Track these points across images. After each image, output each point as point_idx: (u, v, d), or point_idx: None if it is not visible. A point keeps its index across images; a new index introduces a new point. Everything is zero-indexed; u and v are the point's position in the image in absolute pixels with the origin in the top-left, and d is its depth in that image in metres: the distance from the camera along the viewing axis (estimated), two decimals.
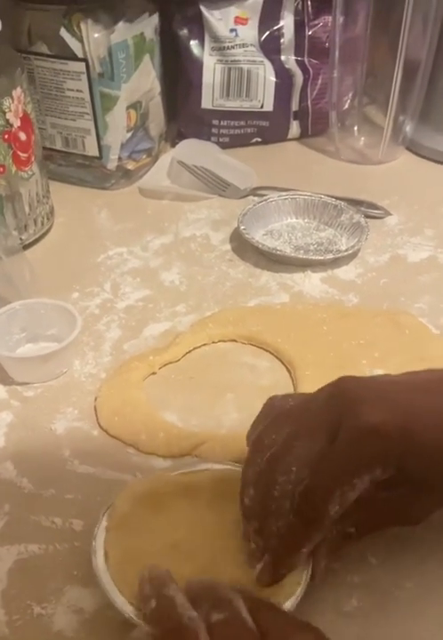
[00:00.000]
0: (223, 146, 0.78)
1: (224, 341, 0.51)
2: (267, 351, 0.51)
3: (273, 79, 0.77)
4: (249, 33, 0.76)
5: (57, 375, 0.48)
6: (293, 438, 0.32)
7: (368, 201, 0.68)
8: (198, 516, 0.35)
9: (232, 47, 0.75)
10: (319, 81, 0.79)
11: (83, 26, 0.62)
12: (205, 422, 0.45)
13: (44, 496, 0.40)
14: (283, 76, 0.77)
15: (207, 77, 0.76)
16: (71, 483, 0.40)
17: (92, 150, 0.69)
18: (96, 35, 0.63)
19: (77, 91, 0.66)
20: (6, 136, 0.56)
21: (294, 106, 0.79)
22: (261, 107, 0.78)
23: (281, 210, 0.66)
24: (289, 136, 0.81)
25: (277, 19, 0.76)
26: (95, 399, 0.46)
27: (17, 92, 0.56)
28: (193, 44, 0.75)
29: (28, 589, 0.35)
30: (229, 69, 0.76)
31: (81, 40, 0.63)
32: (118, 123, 0.68)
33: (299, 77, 0.78)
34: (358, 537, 0.34)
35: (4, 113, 0.55)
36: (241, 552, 0.34)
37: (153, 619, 0.28)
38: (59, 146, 0.70)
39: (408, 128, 0.77)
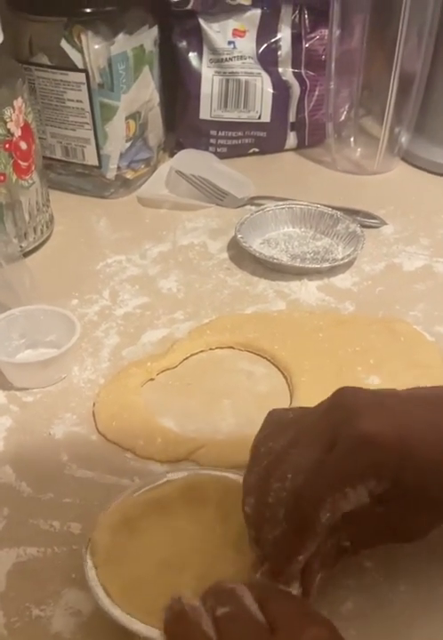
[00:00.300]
0: (221, 156, 0.79)
1: (221, 348, 0.52)
2: (264, 358, 0.51)
3: (270, 91, 0.78)
4: (247, 45, 0.77)
5: (56, 381, 0.49)
6: (290, 446, 0.32)
7: (364, 211, 0.68)
8: (178, 527, 0.36)
9: (230, 59, 0.76)
10: (316, 93, 0.80)
11: (83, 37, 0.63)
12: (202, 428, 0.45)
13: (42, 500, 0.40)
14: (280, 87, 0.78)
15: (205, 88, 0.77)
16: (69, 487, 0.41)
17: (92, 160, 0.70)
18: (96, 46, 0.64)
19: (77, 101, 0.67)
20: (7, 145, 0.57)
21: (291, 117, 0.80)
22: (259, 118, 0.79)
23: (278, 219, 0.66)
24: (286, 147, 0.82)
25: (274, 31, 0.77)
26: (93, 404, 0.47)
27: (18, 102, 0.57)
28: (192, 55, 0.77)
29: (26, 592, 0.35)
30: (227, 81, 0.77)
31: (81, 51, 0.64)
32: (118, 133, 0.69)
33: (296, 89, 0.79)
34: (353, 551, 0.34)
35: (6, 122, 0.56)
36: (235, 553, 0.34)
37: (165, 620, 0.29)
38: (59, 155, 0.71)
39: (404, 139, 0.78)
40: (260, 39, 0.77)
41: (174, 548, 0.34)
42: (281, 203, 0.67)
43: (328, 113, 0.78)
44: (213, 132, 0.79)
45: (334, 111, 0.78)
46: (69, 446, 0.44)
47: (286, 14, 0.77)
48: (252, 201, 0.71)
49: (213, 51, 0.76)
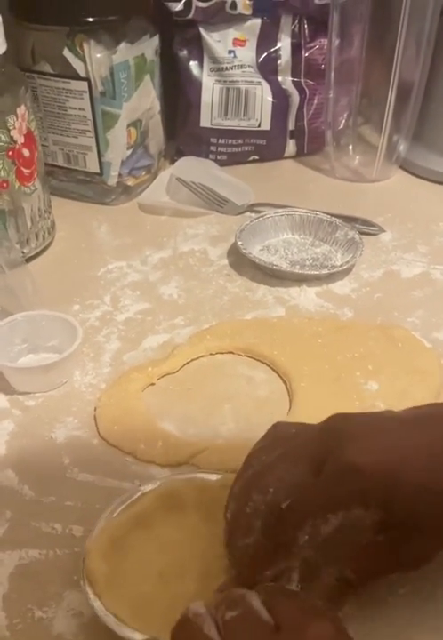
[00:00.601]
0: (221, 163, 0.80)
1: (221, 353, 0.53)
2: (263, 363, 0.52)
3: (270, 99, 0.79)
4: (247, 54, 0.78)
5: (57, 385, 0.49)
6: (278, 460, 0.32)
7: (363, 218, 0.69)
8: (165, 536, 0.36)
9: (230, 68, 0.77)
10: (315, 101, 0.81)
11: (85, 46, 0.64)
12: (203, 432, 0.46)
13: (44, 503, 0.40)
14: (280, 96, 0.79)
15: (206, 97, 0.78)
16: (71, 490, 0.41)
17: (93, 167, 0.71)
18: (98, 55, 0.65)
19: (79, 109, 0.67)
20: (10, 152, 0.57)
21: (291, 125, 0.81)
22: (259, 126, 0.80)
23: (278, 226, 0.67)
24: (286, 154, 0.83)
25: (274, 41, 0.78)
26: (95, 409, 0.47)
27: (21, 109, 0.58)
28: (192, 64, 0.77)
29: (28, 593, 0.35)
30: (228, 89, 0.78)
31: (84, 60, 0.65)
32: (119, 140, 0.70)
33: (295, 98, 0.80)
34: (358, 584, 0.33)
35: (9, 130, 0.56)
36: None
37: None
38: (60, 162, 0.72)
39: (402, 147, 0.78)
40: (260, 48, 0.78)
41: (168, 557, 0.35)
42: (280, 210, 0.68)
43: (327, 121, 0.79)
44: (213, 140, 0.80)
45: (333, 119, 0.79)
46: (71, 450, 0.44)
47: (286, 24, 0.78)
48: (251, 208, 0.72)
49: (214, 60, 0.77)
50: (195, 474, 0.40)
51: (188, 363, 0.52)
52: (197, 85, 0.78)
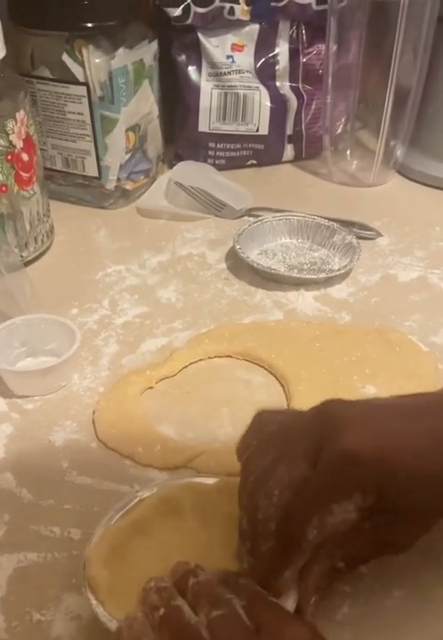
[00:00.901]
0: (219, 168, 0.80)
1: (220, 357, 0.53)
2: (261, 367, 0.52)
3: (268, 104, 0.79)
4: (245, 59, 0.78)
5: (56, 389, 0.49)
6: (276, 463, 0.33)
7: (360, 222, 0.69)
8: (163, 542, 0.36)
9: (229, 73, 0.78)
10: (313, 106, 0.81)
11: (84, 51, 0.65)
12: (201, 435, 0.46)
13: (42, 506, 0.40)
14: (278, 101, 0.80)
15: (204, 102, 0.78)
16: (69, 493, 0.41)
17: (92, 171, 0.71)
18: (97, 60, 0.65)
19: (78, 113, 0.68)
20: (9, 157, 0.57)
21: (289, 130, 0.82)
22: (257, 130, 0.80)
23: (276, 230, 0.67)
24: (284, 159, 0.84)
25: (272, 46, 0.79)
26: (93, 412, 0.47)
27: (20, 114, 0.58)
28: (191, 69, 0.78)
29: (27, 596, 0.35)
30: (226, 94, 0.78)
31: (82, 65, 0.65)
32: (117, 144, 0.70)
33: (293, 103, 0.80)
34: (347, 570, 0.34)
35: (8, 134, 0.57)
36: (224, 554, 0.35)
37: (162, 624, 0.30)
38: (59, 166, 0.72)
39: (399, 152, 0.79)
40: (258, 53, 0.78)
41: (168, 562, 0.35)
42: (278, 214, 0.68)
43: (325, 126, 0.79)
44: (211, 145, 0.80)
45: (331, 124, 0.79)
46: (69, 453, 0.44)
47: (284, 29, 0.78)
48: (250, 212, 0.72)
49: (212, 65, 0.77)
50: (191, 478, 0.40)
51: (186, 366, 0.52)
52: (195, 90, 0.78)
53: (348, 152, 0.82)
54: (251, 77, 0.78)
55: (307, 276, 0.61)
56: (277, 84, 0.80)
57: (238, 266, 0.63)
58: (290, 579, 0.32)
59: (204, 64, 0.77)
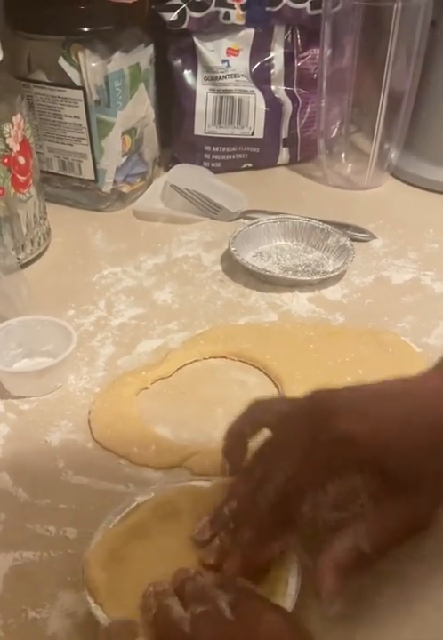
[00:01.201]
0: (215, 171, 0.81)
1: (214, 358, 0.53)
2: (256, 368, 0.52)
3: (263, 108, 0.80)
4: (240, 64, 0.79)
5: (52, 389, 0.50)
6: (271, 449, 0.35)
7: (354, 225, 0.70)
8: (162, 546, 0.36)
9: (224, 77, 0.78)
10: (308, 110, 0.82)
11: (81, 55, 0.65)
12: (196, 436, 0.46)
13: (38, 505, 0.41)
14: (273, 104, 0.80)
15: (200, 105, 0.79)
16: (65, 492, 0.42)
17: (88, 174, 0.71)
18: (93, 64, 0.66)
19: (75, 117, 0.68)
20: (6, 160, 0.58)
21: (284, 133, 0.82)
22: (252, 134, 0.81)
23: (270, 232, 0.68)
24: (279, 162, 0.84)
25: (267, 50, 0.79)
26: (89, 413, 0.48)
27: (17, 118, 0.58)
28: (187, 73, 0.78)
29: (22, 594, 0.36)
30: (222, 98, 0.79)
31: (79, 69, 0.66)
32: (114, 148, 0.71)
33: (288, 106, 0.81)
34: (375, 557, 0.33)
35: (5, 138, 0.57)
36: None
37: (153, 623, 0.31)
38: (56, 169, 0.72)
39: (393, 155, 0.79)
40: (253, 58, 0.79)
41: (166, 565, 0.35)
42: (273, 216, 0.69)
43: (320, 129, 0.80)
44: (207, 148, 0.81)
45: (326, 128, 0.80)
46: (65, 453, 0.45)
47: (279, 34, 0.79)
48: (245, 215, 0.73)
49: (208, 69, 0.78)
50: (188, 482, 0.40)
51: (181, 367, 0.52)
52: (191, 94, 0.79)
53: (342, 155, 0.83)
54: (246, 81, 0.79)
55: (301, 278, 0.62)
56: (273, 87, 0.80)
57: (233, 268, 0.64)
58: (278, 552, 0.33)
59: (199, 68, 0.78)
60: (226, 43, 0.78)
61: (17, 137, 0.58)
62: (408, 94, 0.75)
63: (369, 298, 0.61)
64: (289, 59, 0.80)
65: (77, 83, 0.66)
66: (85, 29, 0.65)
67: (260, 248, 0.67)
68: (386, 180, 0.81)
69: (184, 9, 0.74)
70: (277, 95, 0.81)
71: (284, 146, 0.83)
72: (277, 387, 0.51)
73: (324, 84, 0.76)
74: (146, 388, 0.50)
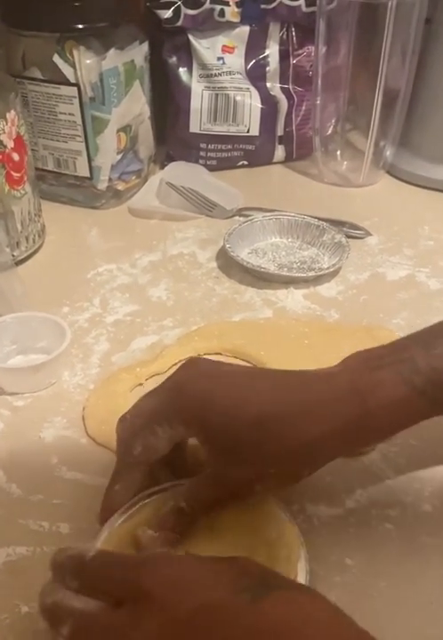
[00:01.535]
0: (211, 168, 0.81)
1: (209, 354, 0.53)
2: (250, 364, 0.52)
3: (259, 105, 0.80)
4: (236, 61, 0.79)
5: (46, 386, 0.50)
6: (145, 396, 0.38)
7: (350, 222, 0.70)
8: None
9: (219, 74, 0.78)
10: (303, 107, 0.82)
11: (75, 52, 0.65)
12: None
13: (32, 501, 0.41)
14: (268, 102, 0.80)
15: (195, 103, 0.79)
16: (59, 488, 0.42)
17: (83, 171, 0.71)
18: (88, 61, 0.65)
19: (69, 114, 0.68)
20: (0, 156, 0.58)
21: (279, 131, 0.82)
22: (248, 131, 0.81)
23: (266, 229, 0.68)
24: (274, 159, 0.84)
25: (262, 48, 0.79)
26: (83, 409, 0.48)
27: (11, 114, 0.58)
28: (182, 71, 0.78)
29: (15, 589, 0.36)
30: (217, 95, 0.79)
31: (73, 66, 0.65)
32: (109, 145, 0.71)
33: (284, 104, 0.81)
34: (191, 512, 0.35)
35: None
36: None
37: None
38: (51, 166, 0.72)
39: (388, 153, 0.80)
40: (248, 55, 0.79)
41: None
42: (269, 214, 0.69)
43: (315, 127, 0.80)
44: (202, 145, 0.81)
45: (321, 125, 0.80)
46: (59, 449, 0.44)
47: (274, 31, 0.79)
48: (240, 212, 0.73)
49: (203, 66, 0.78)
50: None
51: (176, 363, 0.52)
52: (186, 91, 0.79)
53: (338, 153, 0.83)
54: (241, 79, 0.79)
55: (296, 275, 0.62)
56: (268, 85, 0.80)
57: (229, 265, 0.64)
58: (123, 494, 0.36)
59: (194, 65, 0.78)
60: (221, 40, 0.78)
61: (11, 133, 0.58)
62: (403, 92, 0.75)
63: (364, 294, 0.61)
64: (284, 56, 0.80)
65: (72, 80, 0.66)
66: (80, 26, 0.64)
67: (255, 245, 0.67)
68: (381, 178, 0.81)
69: (179, 6, 0.74)
70: (272, 93, 0.81)
71: (279, 143, 0.83)
72: None
73: (319, 81, 0.77)
74: (140, 385, 0.50)
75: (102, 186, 0.73)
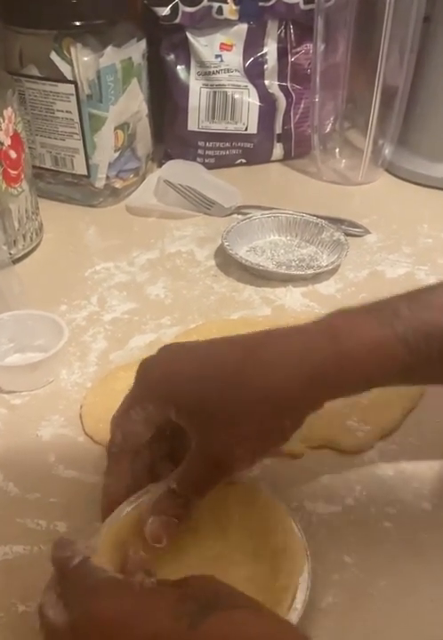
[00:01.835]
0: (209, 166, 0.81)
1: None
2: None
3: (257, 103, 0.79)
4: (234, 59, 0.78)
5: (44, 384, 0.49)
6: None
7: (349, 220, 0.70)
8: (177, 539, 0.35)
9: (217, 72, 0.78)
10: (302, 105, 0.82)
11: (72, 50, 0.65)
12: None
13: (29, 499, 0.41)
14: (266, 100, 0.80)
15: (193, 101, 0.79)
16: (56, 487, 0.41)
17: (81, 169, 0.71)
18: (85, 58, 0.65)
19: (67, 112, 0.68)
20: None
21: (278, 129, 0.82)
22: (246, 129, 0.81)
23: (264, 227, 0.68)
24: (273, 157, 0.84)
25: (260, 45, 0.79)
26: (81, 407, 0.47)
27: (8, 112, 0.58)
28: (180, 68, 0.78)
29: (12, 588, 0.35)
30: (215, 93, 0.79)
31: (71, 63, 0.65)
32: (106, 143, 0.70)
33: (282, 102, 0.81)
34: (183, 493, 0.35)
35: None
36: (244, 557, 0.35)
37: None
38: (48, 164, 0.72)
39: (387, 151, 0.79)
40: (246, 53, 0.79)
41: (177, 561, 0.34)
42: (267, 211, 0.68)
43: (314, 125, 0.80)
44: (200, 143, 0.81)
45: (320, 123, 0.80)
46: (57, 447, 0.44)
47: (272, 29, 0.79)
48: (238, 210, 0.73)
49: (201, 64, 0.78)
50: None
51: None
52: (184, 89, 0.78)
53: (336, 151, 0.83)
54: (239, 76, 0.79)
55: (295, 273, 0.62)
56: (266, 83, 0.80)
57: (227, 263, 0.64)
58: (116, 486, 0.36)
59: (192, 63, 0.78)
60: (219, 38, 0.77)
61: (8, 131, 0.58)
62: (402, 90, 0.75)
63: (363, 292, 0.61)
64: (282, 54, 0.80)
65: (69, 77, 0.66)
66: (77, 23, 0.64)
67: (253, 243, 0.67)
68: (380, 176, 0.81)
69: (177, 3, 0.74)
70: (270, 90, 0.80)
71: (278, 141, 0.83)
72: None
73: (317, 79, 0.76)
74: None
75: (100, 184, 0.72)
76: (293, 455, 0.43)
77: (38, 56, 0.66)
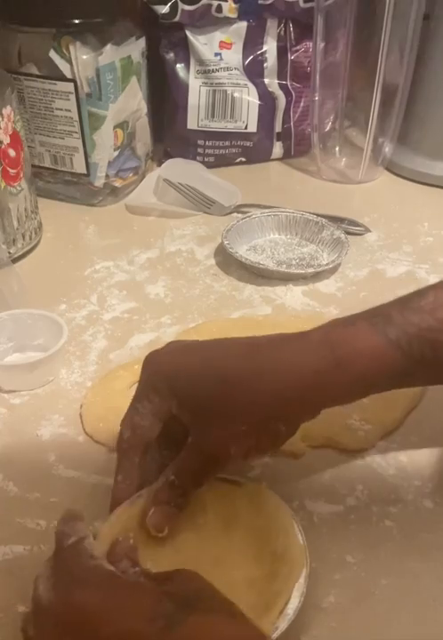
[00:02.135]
0: (208, 165, 0.80)
1: None
2: None
3: (257, 101, 0.79)
4: (233, 57, 0.78)
5: (43, 383, 0.49)
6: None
7: (349, 218, 0.70)
8: (182, 538, 0.35)
9: (217, 70, 0.78)
10: (301, 104, 0.82)
11: (71, 48, 0.65)
12: None
13: (29, 499, 0.40)
14: (266, 98, 0.80)
15: (193, 99, 0.78)
16: (56, 486, 0.41)
17: (80, 168, 0.71)
18: (84, 57, 0.65)
19: (66, 110, 0.68)
20: None
21: (278, 127, 0.82)
22: (246, 128, 0.80)
23: (264, 226, 0.68)
24: (272, 156, 0.84)
25: (260, 44, 0.79)
26: (81, 406, 0.47)
27: (7, 110, 0.58)
28: (179, 67, 0.78)
29: (12, 589, 0.35)
30: (214, 92, 0.78)
31: (70, 62, 0.65)
32: (106, 141, 0.70)
33: (282, 100, 0.81)
34: (181, 483, 0.35)
35: None
36: (244, 560, 0.35)
37: None
38: (47, 163, 0.72)
39: (387, 149, 0.79)
40: (246, 51, 0.78)
41: (181, 557, 0.34)
42: (267, 210, 0.68)
43: (313, 124, 0.80)
44: (200, 142, 0.81)
45: (320, 122, 0.80)
46: (57, 447, 0.44)
47: (272, 27, 0.78)
48: (238, 209, 0.72)
49: (200, 62, 0.77)
50: (220, 477, 0.38)
51: None
52: (183, 88, 0.78)
53: (336, 149, 0.83)
54: (239, 75, 0.79)
55: (295, 271, 0.62)
56: (266, 81, 0.80)
57: (227, 262, 0.64)
58: (126, 482, 0.36)
59: (192, 61, 0.78)
60: (218, 36, 0.77)
61: (7, 129, 0.58)
62: (402, 88, 0.75)
63: (364, 291, 0.60)
64: (282, 52, 0.79)
65: (68, 75, 0.66)
66: (76, 21, 0.64)
67: (253, 242, 0.67)
68: (380, 174, 0.81)
69: (176, 2, 0.74)
70: (270, 89, 0.80)
71: (277, 140, 0.83)
72: None
73: (317, 77, 0.76)
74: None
75: (99, 183, 0.72)
76: (294, 454, 0.43)
77: (37, 54, 0.66)
